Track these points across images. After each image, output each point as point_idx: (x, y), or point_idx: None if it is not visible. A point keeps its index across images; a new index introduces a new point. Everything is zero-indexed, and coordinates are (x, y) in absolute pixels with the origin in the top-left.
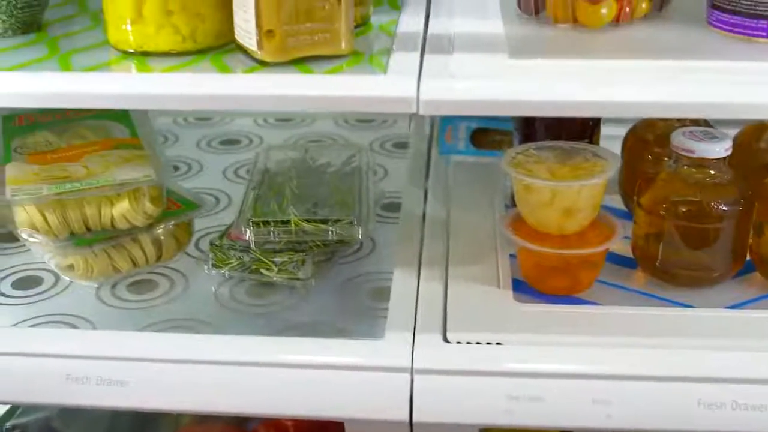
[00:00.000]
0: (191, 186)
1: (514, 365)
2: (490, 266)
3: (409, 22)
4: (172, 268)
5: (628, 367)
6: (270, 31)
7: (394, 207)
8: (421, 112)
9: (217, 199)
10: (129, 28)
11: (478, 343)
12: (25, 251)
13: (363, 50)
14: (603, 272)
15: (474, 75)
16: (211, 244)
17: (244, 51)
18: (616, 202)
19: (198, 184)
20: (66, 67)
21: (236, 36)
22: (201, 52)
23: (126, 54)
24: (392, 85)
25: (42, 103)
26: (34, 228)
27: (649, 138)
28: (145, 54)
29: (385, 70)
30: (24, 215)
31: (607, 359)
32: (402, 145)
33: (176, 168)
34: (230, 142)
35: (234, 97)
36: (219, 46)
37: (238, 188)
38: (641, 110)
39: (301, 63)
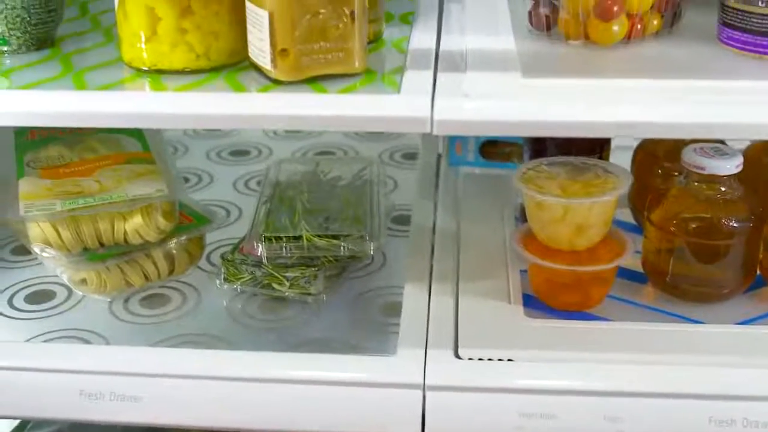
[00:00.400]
0: (201, 198)
1: (526, 382)
2: (500, 281)
3: (421, 38)
4: (184, 282)
5: (640, 384)
6: (284, 50)
7: (404, 220)
8: (435, 132)
9: (228, 212)
10: (143, 46)
11: (489, 359)
12: (37, 264)
13: (376, 68)
14: (613, 287)
15: (487, 95)
16: (223, 258)
17: (257, 69)
18: (626, 215)
19: (208, 196)
20: (80, 85)
21: (250, 54)
22: (215, 69)
23: (140, 72)
24: (406, 105)
25: (57, 122)
26: (48, 243)
27: (659, 153)
28: (159, 72)
29: (398, 89)
30: (37, 230)
31: (619, 376)
32: (411, 156)
33: (186, 179)
34: (240, 153)
35: (248, 117)
36: (232, 64)
37: (249, 200)
38: (655, 131)
39: (314, 82)
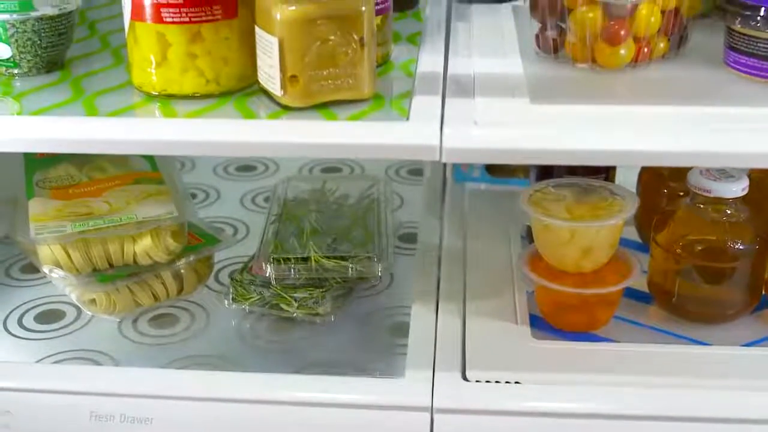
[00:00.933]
0: (209, 214)
1: (533, 404)
2: (507, 301)
3: (429, 61)
4: (192, 302)
5: (646, 407)
6: (294, 77)
7: (411, 238)
8: (444, 159)
9: (236, 229)
10: (153, 70)
11: (497, 381)
12: (47, 283)
13: (384, 93)
14: (619, 307)
15: (496, 122)
16: (232, 278)
17: (266, 94)
18: (631, 233)
19: (215, 213)
20: (91, 111)
21: (259, 79)
22: (224, 94)
23: (150, 96)
24: (415, 132)
25: (68, 148)
26: (58, 265)
27: (665, 172)
28: (169, 96)
29: (407, 116)
30: (48, 252)
31: (626, 399)
32: (417, 172)
33: (194, 195)
34: (246, 168)
35: (259, 144)
36: (242, 89)
37: (256, 217)
38: (664, 160)
39: (323, 108)
